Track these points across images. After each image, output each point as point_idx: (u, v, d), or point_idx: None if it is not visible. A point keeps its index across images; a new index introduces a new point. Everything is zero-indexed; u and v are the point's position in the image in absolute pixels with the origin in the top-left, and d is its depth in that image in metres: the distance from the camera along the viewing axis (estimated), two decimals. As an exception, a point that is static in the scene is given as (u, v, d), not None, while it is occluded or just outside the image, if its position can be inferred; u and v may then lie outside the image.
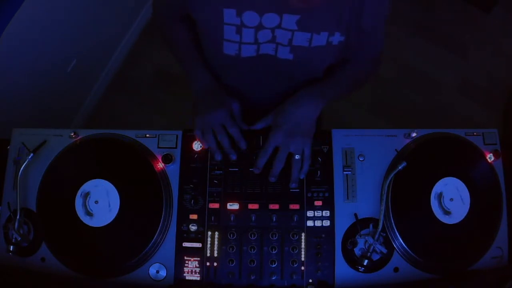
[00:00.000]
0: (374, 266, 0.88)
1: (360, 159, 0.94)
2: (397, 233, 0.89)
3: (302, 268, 0.89)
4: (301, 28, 0.83)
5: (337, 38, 0.86)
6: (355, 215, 0.90)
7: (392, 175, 0.87)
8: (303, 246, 0.90)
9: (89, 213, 0.90)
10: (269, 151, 0.91)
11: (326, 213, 0.91)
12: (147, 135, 0.97)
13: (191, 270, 0.89)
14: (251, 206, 0.92)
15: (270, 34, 0.85)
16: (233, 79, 1.04)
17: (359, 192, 0.92)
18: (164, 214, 0.90)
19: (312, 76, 0.99)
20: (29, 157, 0.92)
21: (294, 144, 0.88)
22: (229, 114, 0.93)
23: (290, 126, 0.89)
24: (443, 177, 0.91)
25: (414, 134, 0.95)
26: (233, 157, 0.93)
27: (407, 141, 0.95)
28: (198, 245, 0.90)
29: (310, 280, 0.88)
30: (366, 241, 0.87)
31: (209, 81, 0.99)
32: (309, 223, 0.91)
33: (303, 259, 0.89)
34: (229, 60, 0.93)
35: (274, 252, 0.89)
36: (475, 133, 0.97)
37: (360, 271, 0.88)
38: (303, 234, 0.90)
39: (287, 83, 1.01)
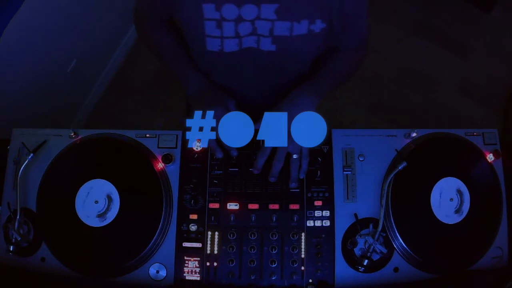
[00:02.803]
0: (374, 266, 0.88)
1: (360, 159, 0.94)
2: (397, 233, 0.89)
3: (302, 268, 0.89)
4: (281, 17, 0.84)
5: (318, 25, 0.86)
6: (355, 215, 0.90)
7: (392, 175, 0.87)
8: (303, 246, 0.90)
9: (89, 213, 0.90)
10: (267, 151, 0.91)
11: (326, 213, 0.91)
12: (147, 135, 0.97)
13: (191, 270, 0.89)
14: (251, 206, 0.92)
15: (251, 26, 0.85)
16: (221, 77, 1.04)
17: (359, 192, 0.92)
18: (164, 214, 0.90)
19: (300, 68, 0.99)
20: (29, 157, 0.92)
21: (292, 143, 0.89)
22: (226, 111, 0.93)
23: None
24: (443, 177, 0.91)
25: (414, 134, 0.95)
26: (234, 153, 0.93)
27: (407, 141, 0.95)
28: (198, 245, 0.90)
29: (310, 280, 0.88)
30: (366, 241, 0.87)
31: (203, 81, 1.00)
32: (309, 223, 0.91)
33: (303, 259, 0.89)
34: (213, 57, 0.93)
35: (274, 252, 0.89)
36: (475, 133, 0.97)
37: (360, 271, 0.88)
38: (303, 234, 0.90)
39: (275, 76, 1.01)
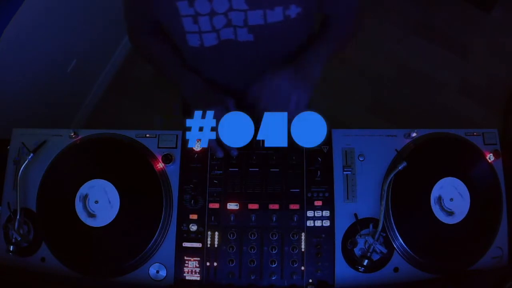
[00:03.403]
0: (374, 266, 0.88)
1: (360, 159, 0.94)
2: (397, 233, 0.89)
3: (302, 268, 0.89)
4: (252, 7, 0.84)
5: (293, 10, 0.86)
6: (355, 215, 0.90)
7: (392, 175, 0.87)
8: (303, 246, 0.90)
9: (89, 213, 0.90)
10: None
11: (326, 213, 0.91)
12: (147, 135, 0.97)
13: (191, 270, 0.89)
14: (251, 206, 0.92)
15: (224, 18, 0.87)
16: (208, 72, 1.04)
17: (359, 192, 0.92)
18: (164, 214, 0.90)
19: (284, 57, 0.99)
20: (29, 157, 0.92)
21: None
22: (226, 111, 0.93)
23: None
24: (443, 177, 0.91)
25: (414, 134, 0.95)
26: (234, 153, 0.93)
27: (407, 141, 0.95)
28: (198, 245, 0.90)
29: (310, 280, 0.88)
30: (366, 241, 0.87)
31: (201, 82, 1.01)
32: (309, 223, 0.91)
33: (303, 259, 0.89)
34: (196, 52, 0.95)
35: (274, 252, 0.89)
36: (475, 133, 0.97)
37: (360, 271, 0.88)
38: (303, 234, 0.90)
39: (261, 67, 1.01)
